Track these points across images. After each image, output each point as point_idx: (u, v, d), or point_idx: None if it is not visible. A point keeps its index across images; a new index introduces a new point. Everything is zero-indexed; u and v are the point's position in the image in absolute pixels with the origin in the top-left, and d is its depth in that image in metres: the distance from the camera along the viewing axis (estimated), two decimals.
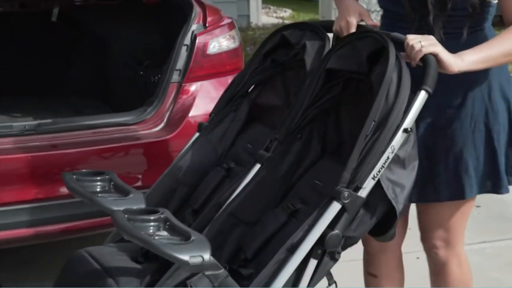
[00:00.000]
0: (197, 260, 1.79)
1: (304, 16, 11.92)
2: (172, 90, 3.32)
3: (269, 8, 12.60)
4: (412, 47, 2.08)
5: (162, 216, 1.95)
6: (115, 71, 4.30)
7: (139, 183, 3.14)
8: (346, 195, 1.95)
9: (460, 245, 2.47)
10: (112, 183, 2.31)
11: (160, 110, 3.29)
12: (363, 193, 1.97)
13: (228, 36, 3.53)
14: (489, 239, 3.60)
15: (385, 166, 1.98)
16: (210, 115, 2.59)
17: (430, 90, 2.03)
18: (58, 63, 4.53)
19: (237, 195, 2.23)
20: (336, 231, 1.95)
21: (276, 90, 2.50)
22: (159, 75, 3.68)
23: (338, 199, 1.95)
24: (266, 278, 1.94)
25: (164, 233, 1.91)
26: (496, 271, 3.47)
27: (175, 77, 3.33)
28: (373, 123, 1.97)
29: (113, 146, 3.18)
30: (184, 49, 3.35)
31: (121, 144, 3.19)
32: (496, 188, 2.36)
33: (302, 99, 2.24)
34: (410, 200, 2.24)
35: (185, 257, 1.79)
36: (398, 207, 2.02)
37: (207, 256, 1.81)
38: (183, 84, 3.33)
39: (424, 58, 2.07)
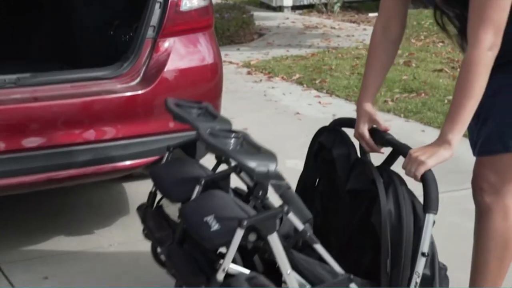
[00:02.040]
0: (263, 169, 1.95)
1: None
2: (147, 45, 3.37)
3: None
4: (409, 172, 2.16)
5: (240, 135, 2.13)
6: (83, 34, 4.34)
7: (117, 134, 3.24)
8: None
9: (509, 196, 2.38)
10: (206, 111, 2.53)
11: (136, 65, 3.35)
12: None
13: None
14: (446, 190, 3.76)
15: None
16: None
17: (435, 212, 2.12)
18: (23, 28, 4.55)
19: None
20: None
21: (335, 181, 2.57)
22: (130, 34, 3.75)
23: None
24: None
25: (239, 146, 2.09)
26: (456, 216, 3.68)
27: (150, 33, 3.39)
28: (388, 260, 2.11)
29: (91, 99, 3.23)
30: (157, 5, 3.40)
31: (98, 97, 3.25)
32: None
33: (342, 218, 2.42)
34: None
35: (252, 164, 1.95)
36: None
37: (272, 167, 1.96)
38: (157, 40, 3.40)
39: (422, 180, 2.13)
